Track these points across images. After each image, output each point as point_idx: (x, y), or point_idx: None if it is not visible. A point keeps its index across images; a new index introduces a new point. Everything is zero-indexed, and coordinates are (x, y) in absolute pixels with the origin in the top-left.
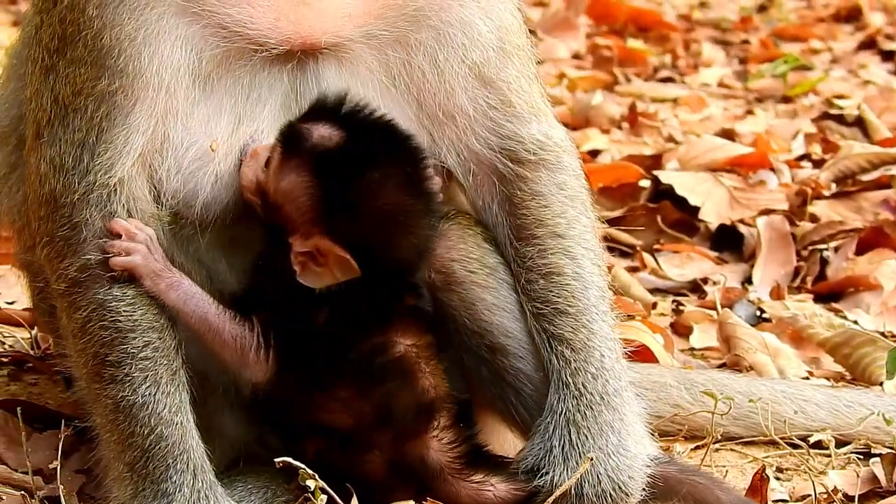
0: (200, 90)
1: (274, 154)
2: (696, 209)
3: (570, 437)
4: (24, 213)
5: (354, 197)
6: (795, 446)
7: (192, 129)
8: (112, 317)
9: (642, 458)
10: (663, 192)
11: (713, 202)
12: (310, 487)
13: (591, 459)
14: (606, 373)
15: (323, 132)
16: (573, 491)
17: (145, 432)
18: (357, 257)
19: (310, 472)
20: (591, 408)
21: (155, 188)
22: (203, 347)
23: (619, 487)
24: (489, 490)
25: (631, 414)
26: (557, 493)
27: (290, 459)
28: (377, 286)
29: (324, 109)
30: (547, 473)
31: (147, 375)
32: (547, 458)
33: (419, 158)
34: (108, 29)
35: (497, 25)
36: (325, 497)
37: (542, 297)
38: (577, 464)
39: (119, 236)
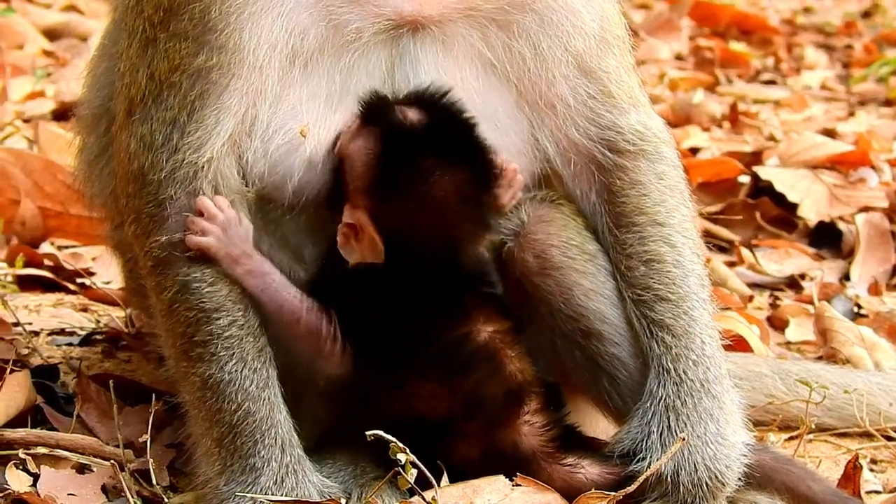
0: (300, 71)
1: (356, 117)
2: (795, 206)
3: (668, 422)
4: (114, 191)
5: (409, 181)
6: (890, 438)
7: (281, 113)
8: (196, 298)
9: (739, 447)
10: (762, 189)
11: (812, 199)
12: (400, 461)
13: (684, 439)
14: (707, 360)
15: (406, 111)
16: (669, 479)
17: (233, 408)
18: (388, 245)
19: (401, 445)
20: (692, 395)
21: (242, 169)
22: (280, 335)
23: (716, 476)
24: (581, 472)
25: (729, 402)
26: (650, 471)
27: (381, 433)
28: (445, 279)
29: (418, 94)
30: (643, 458)
31: (233, 353)
32: (644, 443)
33: (489, 169)
34: (219, 2)
35: (599, 14)
36: (415, 472)
37: (642, 283)
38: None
39: (202, 214)
